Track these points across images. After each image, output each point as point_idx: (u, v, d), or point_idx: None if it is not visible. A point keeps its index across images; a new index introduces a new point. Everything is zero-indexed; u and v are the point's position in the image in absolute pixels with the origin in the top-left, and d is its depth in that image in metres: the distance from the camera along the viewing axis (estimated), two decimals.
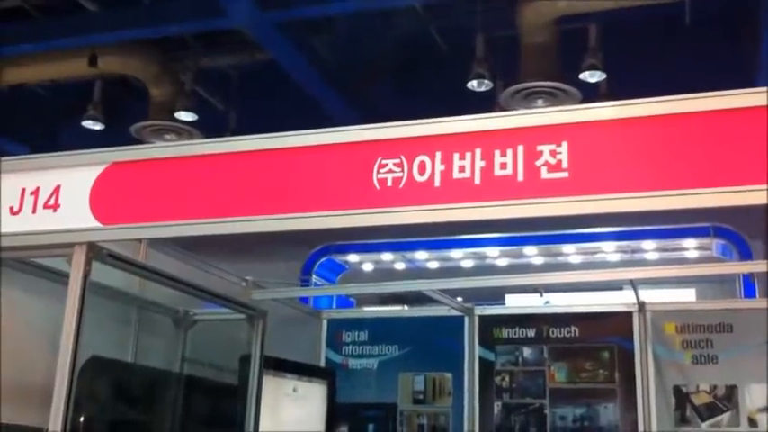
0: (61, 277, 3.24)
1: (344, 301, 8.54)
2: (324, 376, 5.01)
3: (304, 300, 7.09)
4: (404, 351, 5.66)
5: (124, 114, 8.48)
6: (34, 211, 3.24)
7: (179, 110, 7.97)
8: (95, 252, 3.17)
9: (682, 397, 5.13)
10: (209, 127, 8.04)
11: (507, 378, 5.47)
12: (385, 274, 9.34)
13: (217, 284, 4.55)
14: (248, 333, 4.40)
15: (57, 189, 3.25)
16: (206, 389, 4.57)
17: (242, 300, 4.52)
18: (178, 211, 3.13)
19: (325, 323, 5.88)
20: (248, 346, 4.36)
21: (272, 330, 4.51)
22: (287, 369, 4.63)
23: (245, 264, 5.69)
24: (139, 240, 4.24)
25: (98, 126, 8.28)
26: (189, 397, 4.37)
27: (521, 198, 2.68)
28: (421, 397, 5.57)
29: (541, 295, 6.83)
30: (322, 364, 5.65)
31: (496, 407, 5.42)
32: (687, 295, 8.25)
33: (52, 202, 3.23)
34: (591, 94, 7.05)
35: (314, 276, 8.84)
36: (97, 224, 3.18)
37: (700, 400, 5.11)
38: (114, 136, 7.73)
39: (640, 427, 5.11)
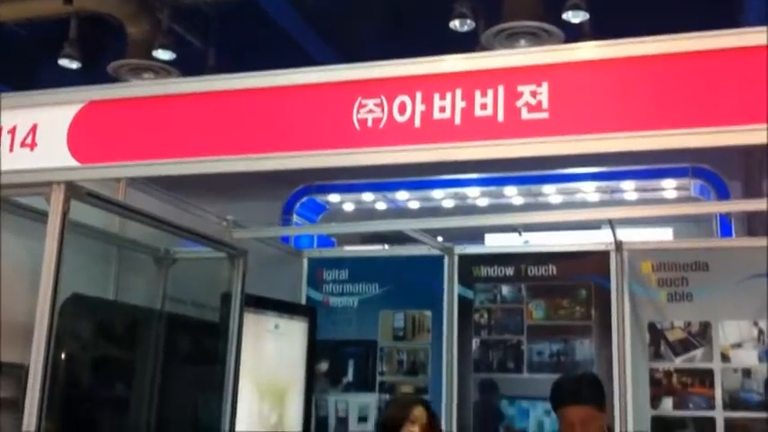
0: (41, 216, 3.24)
1: (325, 241, 8.58)
2: (305, 314, 5.06)
3: (285, 239, 7.12)
4: (384, 289, 5.72)
5: (101, 53, 8.35)
6: (11, 150, 3.22)
7: (157, 48, 7.86)
8: (74, 191, 3.17)
9: (656, 333, 5.24)
10: (188, 65, 7.93)
11: (486, 315, 5.55)
12: (366, 214, 9.36)
13: (197, 224, 4.56)
14: (229, 272, 4.43)
15: (34, 128, 3.22)
16: (188, 326, 4.61)
17: (222, 239, 4.54)
18: (157, 150, 3.12)
19: (305, 262, 5.91)
20: (229, 284, 4.40)
21: (253, 269, 4.55)
22: (268, 307, 4.67)
23: (225, 204, 5.68)
24: (118, 180, 4.22)
25: (75, 65, 8.15)
26: (171, 334, 4.41)
27: (501, 138, 2.70)
28: (401, 334, 5.65)
29: (520, 234, 6.89)
30: (303, 302, 5.71)
31: (475, 343, 5.51)
32: (665, 235, 8.34)
33: (29, 140, 3.21)
34: (574, 34, 7.01)
35: (294, 216, 8.86)
36: (75, 163, 3.17)
37: (674, 336, 5.22)
38: (92, 74, 7.63)
39: (615, 362, 5.22)
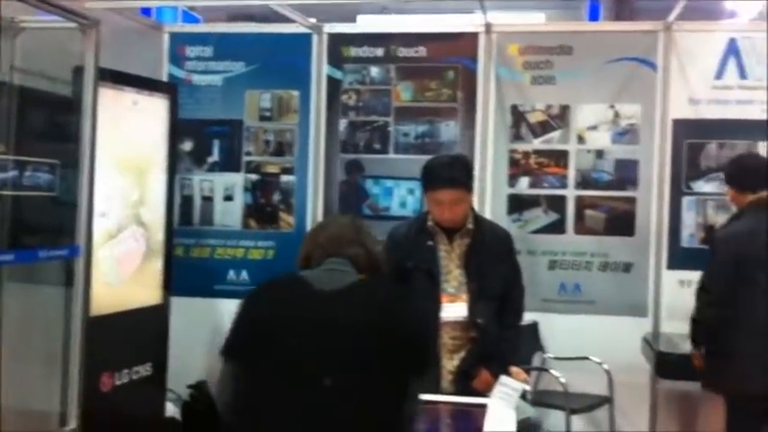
0: None
1: (191, 20, 8.17)
2: (165, 91, 4.86)
3: (146, 13, 6.73)
4: (250, 68, 5.55)
5: None
6: None
7: None
8: None
9: (518, 115, 5.38)
10: None
11: (354, 96, 5.52)
12: None
13: None
14: (81, 44, 4.16)
15: None
16: (40, 101, 4.37)
17: (72, 7, 4.22)
18: None
19: (166, 37, 5.65)
20: (82, 57, 4.15)
21: (109, 44, 4.28)
22: (125, 82, 4.45)
23: None
24: None
25: None
26: (22, 109, 4.18)
27: None
28: (267, 114, 5.56)
29: (391, 15, 6.77)
30: (164, 79, 5.50)
31: (342, 124, 5.52)
32: (536, 20, 8.39)
33: None
34: None
35: None
36: None
37: (535, 118, 5.38)
38: None
39: (477, 143, 5.37)
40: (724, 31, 5.27)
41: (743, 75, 5.15)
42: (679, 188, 5.20)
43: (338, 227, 2.56)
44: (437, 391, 3.48)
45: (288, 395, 2.15)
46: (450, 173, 3.56)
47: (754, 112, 5.11)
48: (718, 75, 5.16)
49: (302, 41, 5.53)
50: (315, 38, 5.53)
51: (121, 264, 4.44)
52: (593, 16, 7.95)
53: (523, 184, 5.35)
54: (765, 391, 3.81)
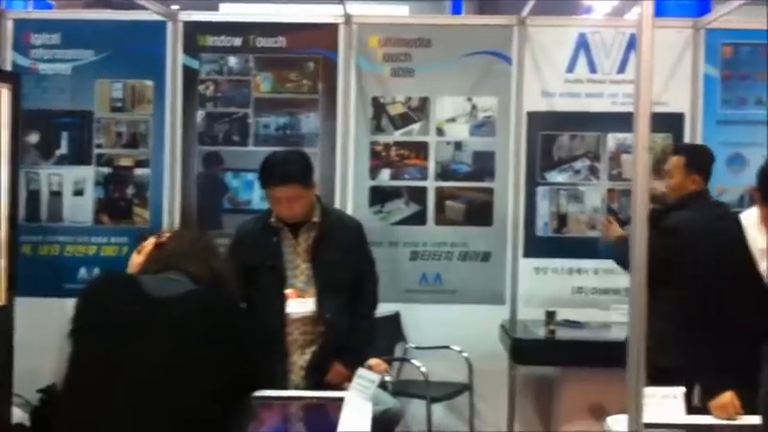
0: None
1: (44, 6, 7.82)
2: (7, 80, 4.59)
3: None
4: (101, 56, 5.32)
5: None
6: None
7: None
8: None
9: (379, 107, 5.38)
10: None
11: (212, 87, 5.38)
12: None
13: None
14: None
15: None
16: None
17: None
18: None
19: (10, 24, 5.33)
20: None
21: None
22: None
23: None
24: None
25: None
26: None
27: None
28: (119, 105, 5.35)
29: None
30: (8, 68, 5.20)
31: (200, 115, 5.37)
32: (401, 12, 8.47)
33: None
34: None
35: None
36: None
37: (395, 110, 5.39)
38: None
39: (339, 135, 5.34)
40: (575, 26, 5.43)
41: (593, 69, 5.33)
42: (534, 179, 5.33)
43: (182, 244, 2.47)
44: (285, 386, 3.44)
45: (99, 386, 2.15)
46: (284, 169, 3.50)
47: (604, 105, 5.31)
48: (570, 68, 5.32)
49: (156, 29, 5.35)
50: (169, 25, 5.35)
51: None
52: (457, 10, 8.06)
53: (385, 176, 5.36)
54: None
